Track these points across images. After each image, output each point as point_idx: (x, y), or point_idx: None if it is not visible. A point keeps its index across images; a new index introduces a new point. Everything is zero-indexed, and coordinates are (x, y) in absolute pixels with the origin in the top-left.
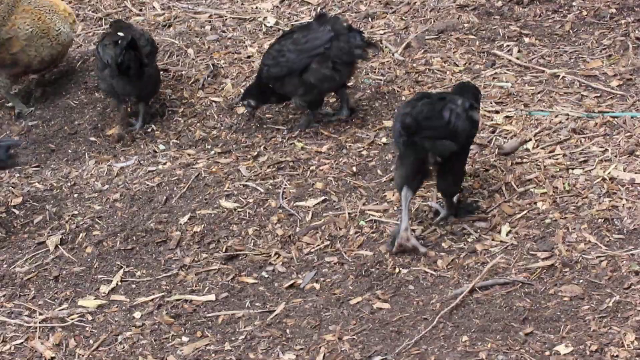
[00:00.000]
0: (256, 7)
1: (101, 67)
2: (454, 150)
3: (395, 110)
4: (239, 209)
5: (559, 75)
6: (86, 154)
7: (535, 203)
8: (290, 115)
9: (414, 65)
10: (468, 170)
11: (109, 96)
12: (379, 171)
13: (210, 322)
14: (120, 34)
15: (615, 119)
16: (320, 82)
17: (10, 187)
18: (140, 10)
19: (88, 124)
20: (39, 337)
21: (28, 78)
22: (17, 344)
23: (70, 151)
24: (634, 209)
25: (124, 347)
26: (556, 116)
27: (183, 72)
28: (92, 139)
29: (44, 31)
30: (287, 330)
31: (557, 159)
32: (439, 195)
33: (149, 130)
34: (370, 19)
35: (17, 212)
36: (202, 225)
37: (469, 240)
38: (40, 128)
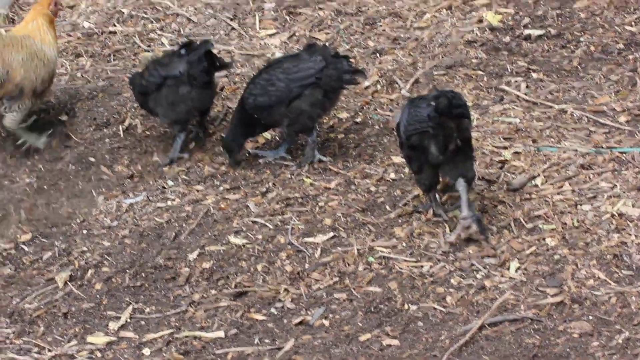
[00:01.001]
0: (264, 43)
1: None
2: (470, 132)
3: (397, 113)
4: (248, 245)
5: (567, 111)
6: (95, 190)
7: (544, 239)
8: (299, 151)
9: None
10: (476, 206)
11: (184, 119)
12: (387, 207)
13: (219, 359)
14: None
15: (624, 155)
16: (311, 107)
17: (19, 224)
18: (149, 46)
19: (97, 160)
20: None
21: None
22: None
23: (79, 187)
24: None
25: None
26: (564, 152)
27: None
28: (101, 175)
29: (31, 54)
30: None
31: (565, 194)
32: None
33: (158, 166)
34: (378, 55)
35: (26, 248)
36: (211, 262)
37: (478, 276)
38: (49, 164)
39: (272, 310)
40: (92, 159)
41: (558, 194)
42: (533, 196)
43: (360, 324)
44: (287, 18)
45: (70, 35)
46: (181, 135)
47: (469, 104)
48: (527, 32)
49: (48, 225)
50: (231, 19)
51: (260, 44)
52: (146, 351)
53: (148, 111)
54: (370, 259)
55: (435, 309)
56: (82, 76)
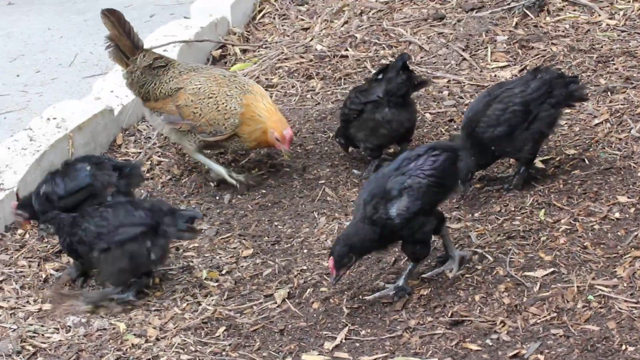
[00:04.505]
0: (495, 75)
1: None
2: None
3: None
4: (467, 275)
5: None
6: (317, 211)
7: None
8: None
9: None
10: None
11: (380, 144)
12: (610, 246)
13: None
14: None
15: None
16: (548, 127)
17: (242, 240)
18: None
19: (322, 181)
20: None
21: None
22: None
23: (302, 207)
24: None
25: None
26: None
27: (421, 135)
28: (326, 196)
29: (213, 92)
30: None
31: None
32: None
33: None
34: (609, 93)
35: (246, 264)
36: (429, 289)
37: None
38: (276, 181)
39: (488, 341)
40: (317, 181)
41: None
42: None
43: None
44: (519, 52)
45: (302, 57)
46: (374, 161)
47: None
48: None
49: (270, 242)
50: (463, 50)
51: (491, 75)
52: None
53: (350, 139)
54: (590, 297)
55: None
56: (312, 97)
